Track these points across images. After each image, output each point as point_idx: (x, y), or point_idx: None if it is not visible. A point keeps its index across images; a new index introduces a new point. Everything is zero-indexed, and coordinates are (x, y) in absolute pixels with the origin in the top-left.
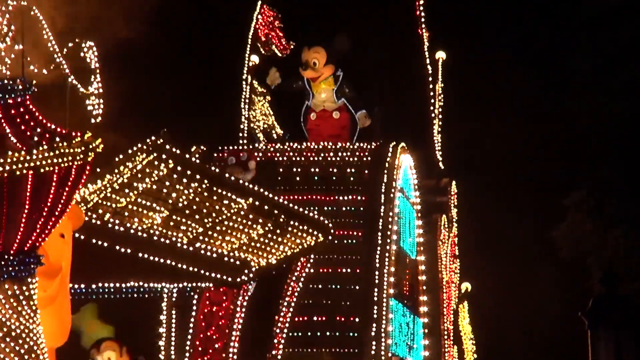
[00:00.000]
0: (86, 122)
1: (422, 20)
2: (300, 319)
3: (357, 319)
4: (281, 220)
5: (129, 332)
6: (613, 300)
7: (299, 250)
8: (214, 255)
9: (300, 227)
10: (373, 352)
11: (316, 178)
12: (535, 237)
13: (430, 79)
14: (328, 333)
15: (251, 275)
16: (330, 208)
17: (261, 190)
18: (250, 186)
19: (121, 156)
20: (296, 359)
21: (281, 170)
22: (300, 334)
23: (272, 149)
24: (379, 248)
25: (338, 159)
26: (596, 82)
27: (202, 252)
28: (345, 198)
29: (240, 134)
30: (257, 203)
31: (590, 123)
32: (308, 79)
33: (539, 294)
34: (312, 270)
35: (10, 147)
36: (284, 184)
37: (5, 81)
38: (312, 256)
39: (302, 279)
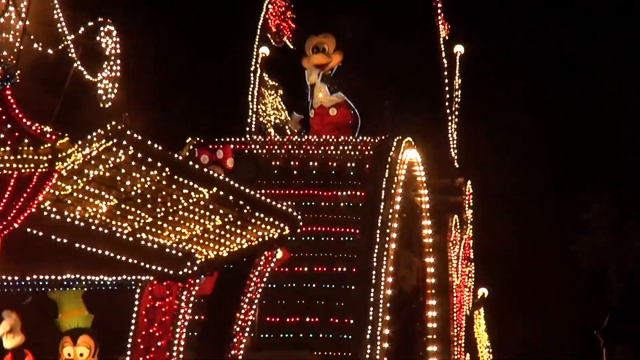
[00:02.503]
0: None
1: (440, 11)
2: (292, 320)
3: (351, 321)
4: (245, 211)
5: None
6: (630, 316)
7: (258, 242)
8: (155, 246)
9: (265, 219)
10: (368, 357)
11: (314, 172)
12: (556, 249)
13: (446, 73)
14: (321, 335)
15: (195, 268)
16: (328, 204)
17: (227, 179)
18: (216, 175)
19: (79, 142)
20: None
21: (278, 164)
22: (291, 335)
23: (269, 142)
24: (377, 246)
25: (338, 152)
26: (619, 88)
27: (143, 242)
28: (345, 193)
29: (247, 128)
30: (221, 193)
31: (612, 134)
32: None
33: (558, 305)
34: (305, 269)
35: None
36: (281, 179)
37: None
38: (278, 251)
39: (266, 274)
